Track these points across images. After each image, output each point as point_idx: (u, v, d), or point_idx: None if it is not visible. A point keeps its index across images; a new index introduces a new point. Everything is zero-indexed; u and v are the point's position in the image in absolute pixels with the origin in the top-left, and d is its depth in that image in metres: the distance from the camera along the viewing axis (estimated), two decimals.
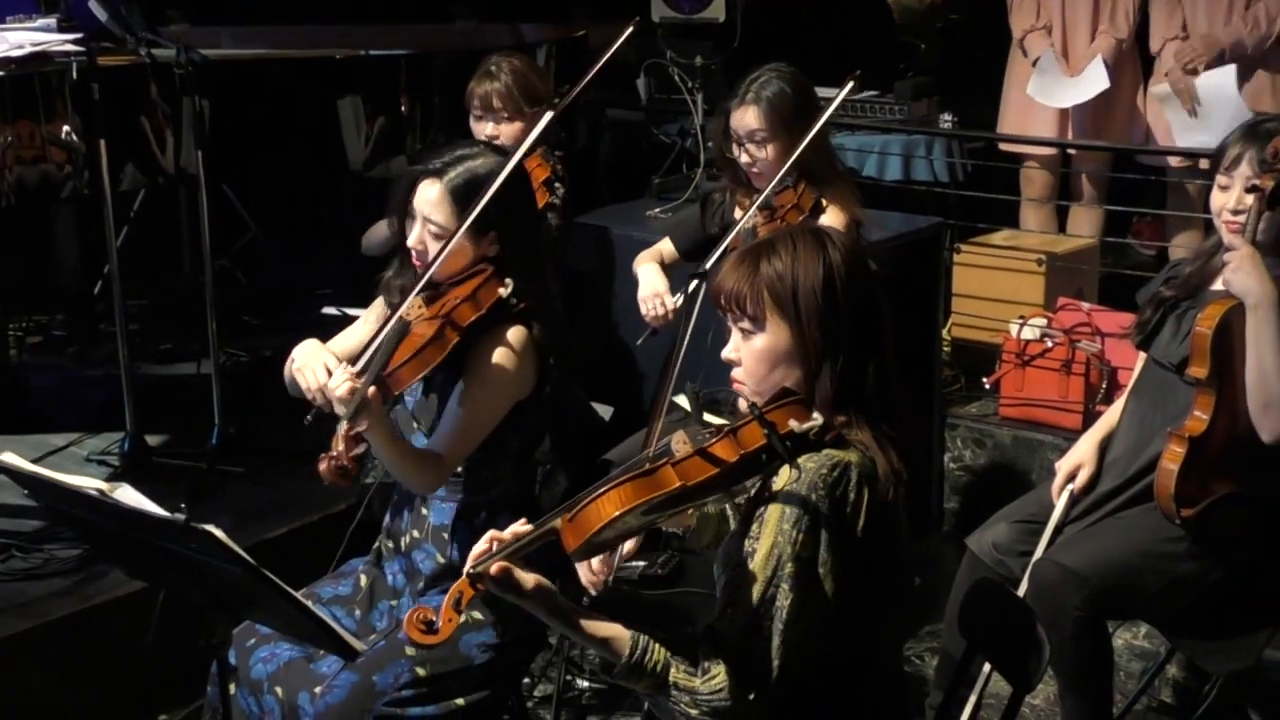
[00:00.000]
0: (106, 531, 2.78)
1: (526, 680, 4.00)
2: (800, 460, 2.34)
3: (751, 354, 2.46)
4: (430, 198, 3.12)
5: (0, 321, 5.35)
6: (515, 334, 3.11)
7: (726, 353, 2.50)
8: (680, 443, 2.38)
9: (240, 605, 2.74)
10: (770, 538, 2.35)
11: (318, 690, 2.97)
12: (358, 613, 3.22)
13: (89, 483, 2.69)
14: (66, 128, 4.47)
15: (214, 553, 2.50)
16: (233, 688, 3.04)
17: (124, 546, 2.81)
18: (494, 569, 2.33)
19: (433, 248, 3.12)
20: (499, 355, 3.09)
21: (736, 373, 2.50)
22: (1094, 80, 5.95)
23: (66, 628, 3.94)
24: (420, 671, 3.02)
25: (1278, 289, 3.30)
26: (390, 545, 3.27)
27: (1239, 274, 3.32)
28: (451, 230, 3.09)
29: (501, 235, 3.14)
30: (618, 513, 2.27)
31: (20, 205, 4.53)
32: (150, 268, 6.58)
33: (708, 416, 3.95)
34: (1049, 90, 6.08)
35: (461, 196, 3.10)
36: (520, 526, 2.41)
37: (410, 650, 3.02)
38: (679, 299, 4.08)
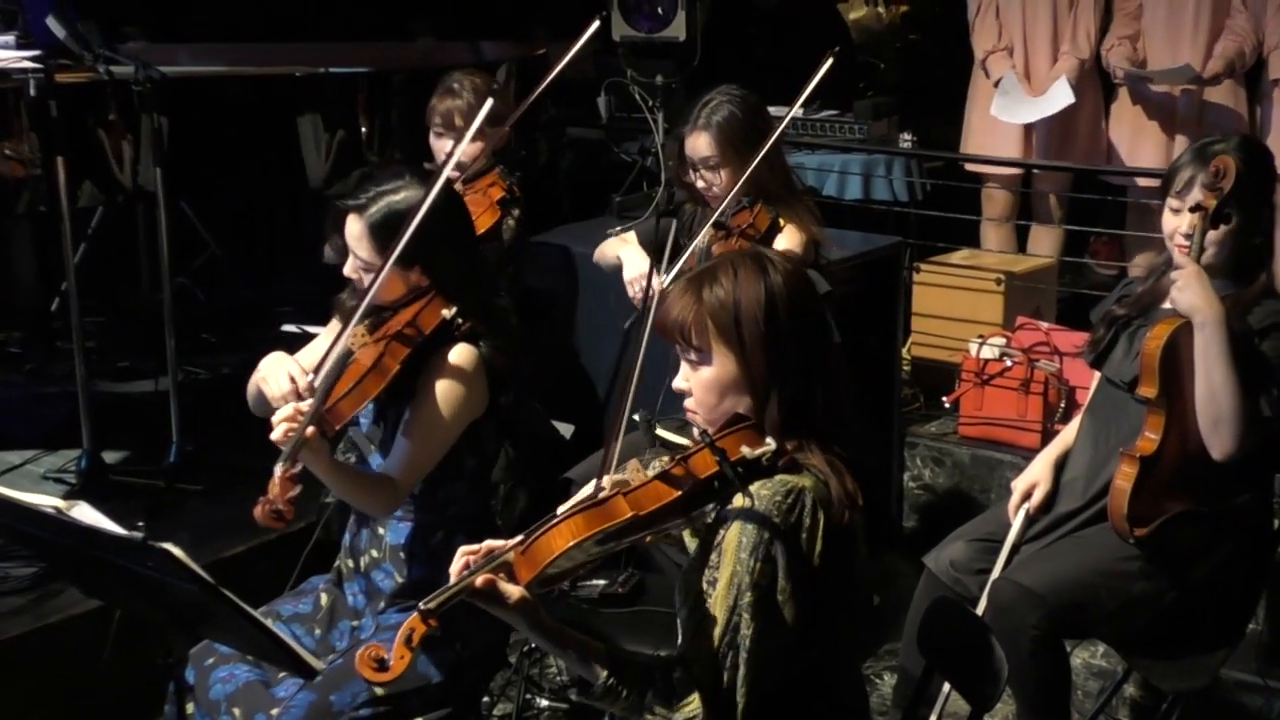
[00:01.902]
0: (63, 549, 2.76)
1: (486, 699, 3.99)
2: (754, 487, 2.34)
3: (700, 384, 2.46)
4: (353, 232, 3.12)
5: None
6: (464, 354, 3.10)
7: (677, 383, 2.51)
8: (634, 471, 2.38)
9: (198, 623, 2.73)
10: (729, 567, 2.35)
11: (275, 712, 2.95)
12: (317, 631, 3.20)
13: (46, 500, 2.67)
14: (24, 144, 4.45)
15: (172, 571, 2.48)
16: (190, 707, 3.02)
17: (81, 564, 2.79)
18: (479, 581, 2.31)
19: (364, 279, 3.13)
20: (449, 377, 3.08)
21: (688, 402, 2.49)
22: (1059, 97, 5.99)
23: (22, 646, 3.90)
24: (378, 691, 3.00)
25: (1223, 307, 3.33)
26: (350, 565, 3.26)
27: (1185, 292, 3.34)
28: (375, 265, 3.09)
29: (426, 267, 3.13)
30: (569, 545, 2.27)
31: None
32: (108, 285, 6.55)
33: (671, 436, 3.97)
34: (1013, 108, 6.12)
35: (380, 232, 3.08)
36: (493, 542, 2.40)
37: None
38: (667, 280, 4.08)
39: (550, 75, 4.36)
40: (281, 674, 3.02)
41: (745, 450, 2.32)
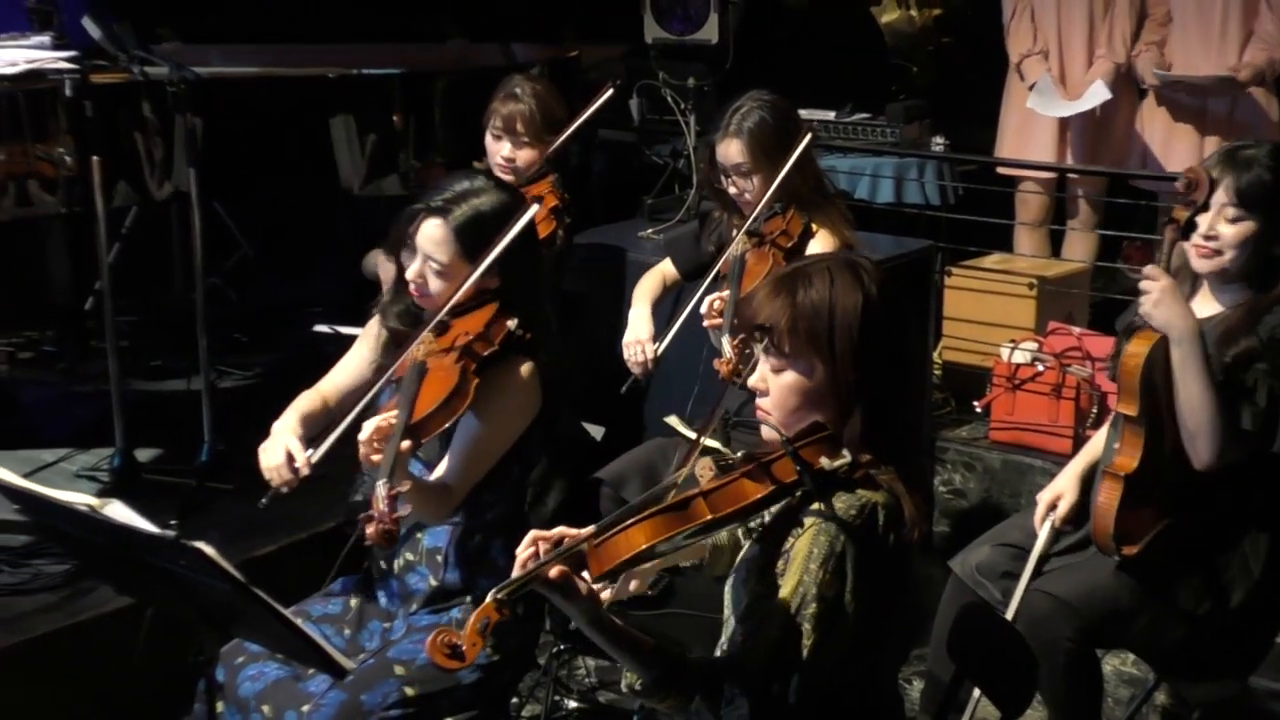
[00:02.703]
0: (96, 547, 2.78)
1: (515, 700, 3.99)
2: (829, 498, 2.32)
3: (782, 388, 2.41)
4: (434, 235, 3.11)
5: None
6: (524, 368, 3.12)
7: (754, 381, 2.46)
8: (705, 469, 2.36)
9: (229, 622, 2.74)
10: (796, 575, 2.32)
11: (305, 709, 2.96)
12: (347, 632, 3.21)
13: (79, 498, 2.68)
14: (59, 144, 4.47)
15: (204, 569, 2.49)
16: (220, 705, 3.03)
17: (113, 562, 2.81)
18: (554, 572, 2.28)
19: (433, 283, 3.13)
20: (509, 389, 3.09)
21: (763, 401, 2.45)
22: (1094, 96, 5.98)
23: (53, 644, 3.93)
24: (409, 691, 3.01)
25: (1196, 320, 3.29)
26: (382, 567, 3.27)
27: (1160, 308, 3.30)
28: (453, 268, 3.10)
29: (504, 272, 3.14)
30: (645, 545, 2.26)
31: (12, 221, 4.53)
32: (141, 285, 6.57)
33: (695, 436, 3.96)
34: (1048, 104, 6.10)
35: (466, 235, 3.09)
36: (564, 530, 2.39)
37: (399, 670, 3.02)
38: (660, 347, 4.11)
39: (578, 122, 4.38)
40: (311, 670, 3.03)
41: (824, 461, 2.30)
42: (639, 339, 4.17)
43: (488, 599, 2.30)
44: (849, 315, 2.35)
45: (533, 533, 2.40)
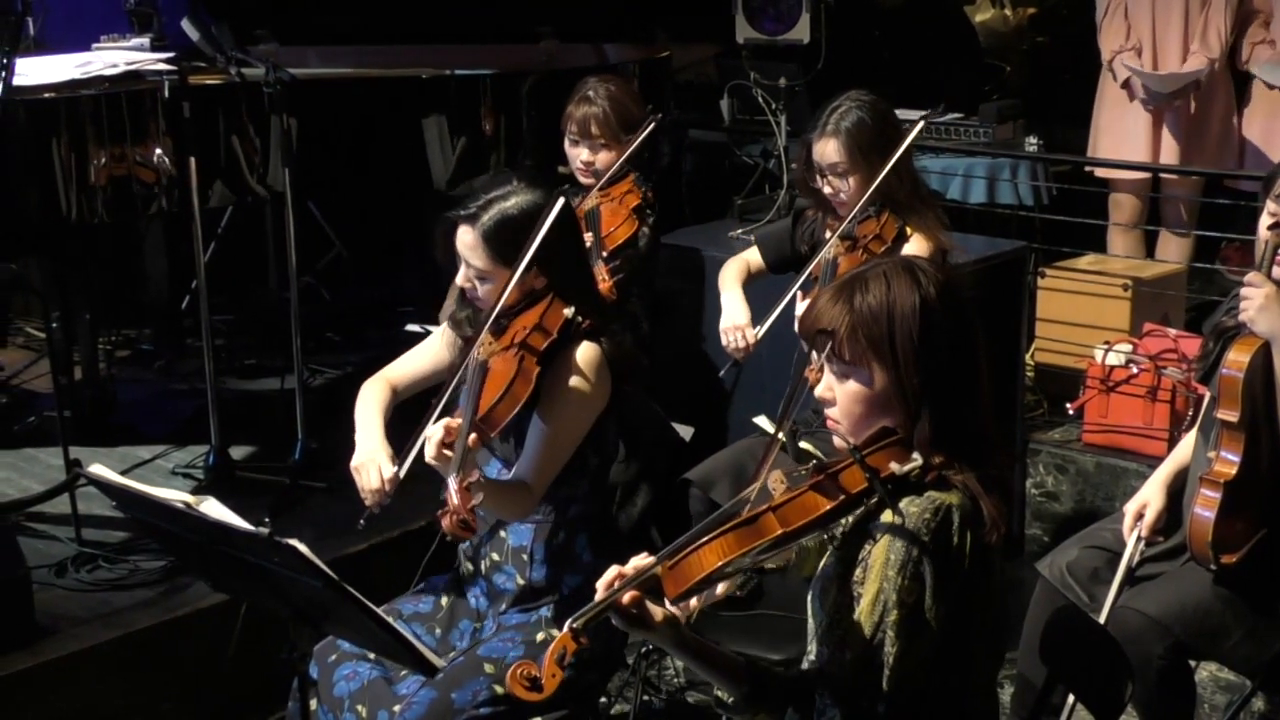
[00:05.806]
0: (191, 544, 2.81)
1: (603, 699, 4.00)
2: (903, 504, 2.30)
3: (847, 396, 2.40)
4: (467, 242, 3.16)
5: (90, 336, 5.42)
6: (587, 352, 3.13)
7: (820, 392, 2.44)
8: (777, 483, 2.35)
9: (322, 619, 2.76)
10: (875, 584, 2.31)
11: (397, 709, 2.99)
12: (438, 630, 3.23)
13: (176, 495, 2.72)
14: (158, 145, 4.53)
15: (297, 567, 2.52)
16: (314, 703, 3.06)
17: (208, 559, 2.84)
18: (626, 599, 2.28)
19: (479, 288, 3.18)
20: (575, 376, 3.10)
21: (831, 412, 2.44)
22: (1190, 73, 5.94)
23: (150, 638, 3.98)
24: (498, 689, 3.02)
25: None
26: (470, 568, 3.29)
27: (1264, 315, 3.25)
28: (490, 272, 3.14)
29: (543, 269, 3.15)
30: (720, 563, 2.26)
31: (111, 221, 4.60)
32: (236, 284, 6.65)
33: (810, 448, 3.94)
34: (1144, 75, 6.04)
35: (494, 239, 3.13)
36: (642, 560, 2.37)
37: (489, 668, 3.04)
38: (760, 330, 4.07)
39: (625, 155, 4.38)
40: (404, 671, 3.05)
41: (894, 466, 2.28)
42: (737, 324, 4.11)
43: (564, 629, 2.31)
44: (907, 318, 2.34)
45: (614, 567, 2.38)
